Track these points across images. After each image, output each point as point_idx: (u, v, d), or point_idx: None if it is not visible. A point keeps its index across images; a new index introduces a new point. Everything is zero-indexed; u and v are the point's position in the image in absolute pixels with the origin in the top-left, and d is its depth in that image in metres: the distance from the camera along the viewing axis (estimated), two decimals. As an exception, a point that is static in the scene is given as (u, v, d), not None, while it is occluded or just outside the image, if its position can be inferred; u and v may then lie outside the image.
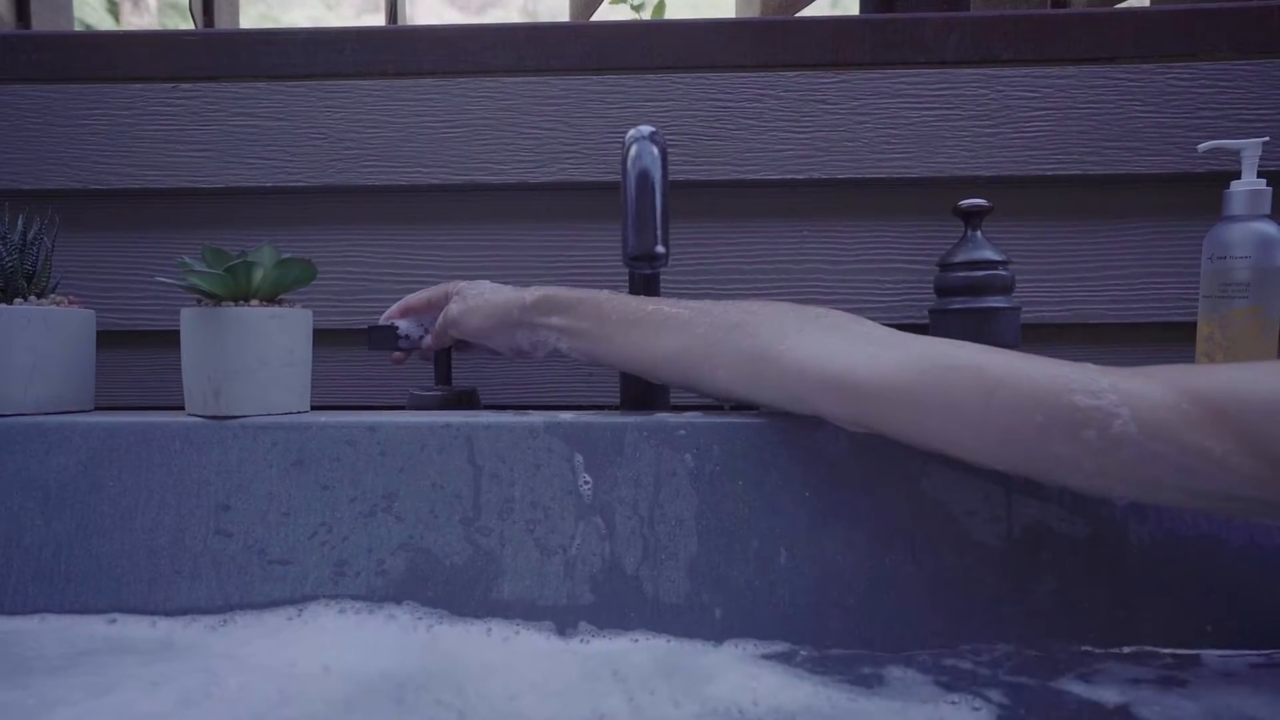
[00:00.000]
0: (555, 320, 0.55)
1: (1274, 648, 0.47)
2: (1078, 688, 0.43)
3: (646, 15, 1.81)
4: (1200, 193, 0.69)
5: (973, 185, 0.72)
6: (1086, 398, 0.39)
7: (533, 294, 0.56)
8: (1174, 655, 0.47)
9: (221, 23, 1.28)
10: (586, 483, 0.52)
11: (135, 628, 0.50)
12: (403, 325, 0.63)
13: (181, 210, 0.76)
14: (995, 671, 0.45)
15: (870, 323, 0.48)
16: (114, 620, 0.51)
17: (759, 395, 0.49)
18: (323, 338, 0.69)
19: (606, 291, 0.55)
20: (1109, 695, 0.42)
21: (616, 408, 0.62)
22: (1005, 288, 0.64)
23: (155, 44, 0.75)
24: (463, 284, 0.61)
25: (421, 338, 0.64)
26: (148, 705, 0.40)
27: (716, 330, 0.50)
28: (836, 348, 0.46)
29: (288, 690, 0.41)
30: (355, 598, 0.51)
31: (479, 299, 0.58)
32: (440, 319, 0.61)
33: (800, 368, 0.46)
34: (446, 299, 0.62)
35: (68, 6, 1.12)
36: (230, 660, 0.45)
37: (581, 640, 0.49)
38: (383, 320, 0.64)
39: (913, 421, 0.43)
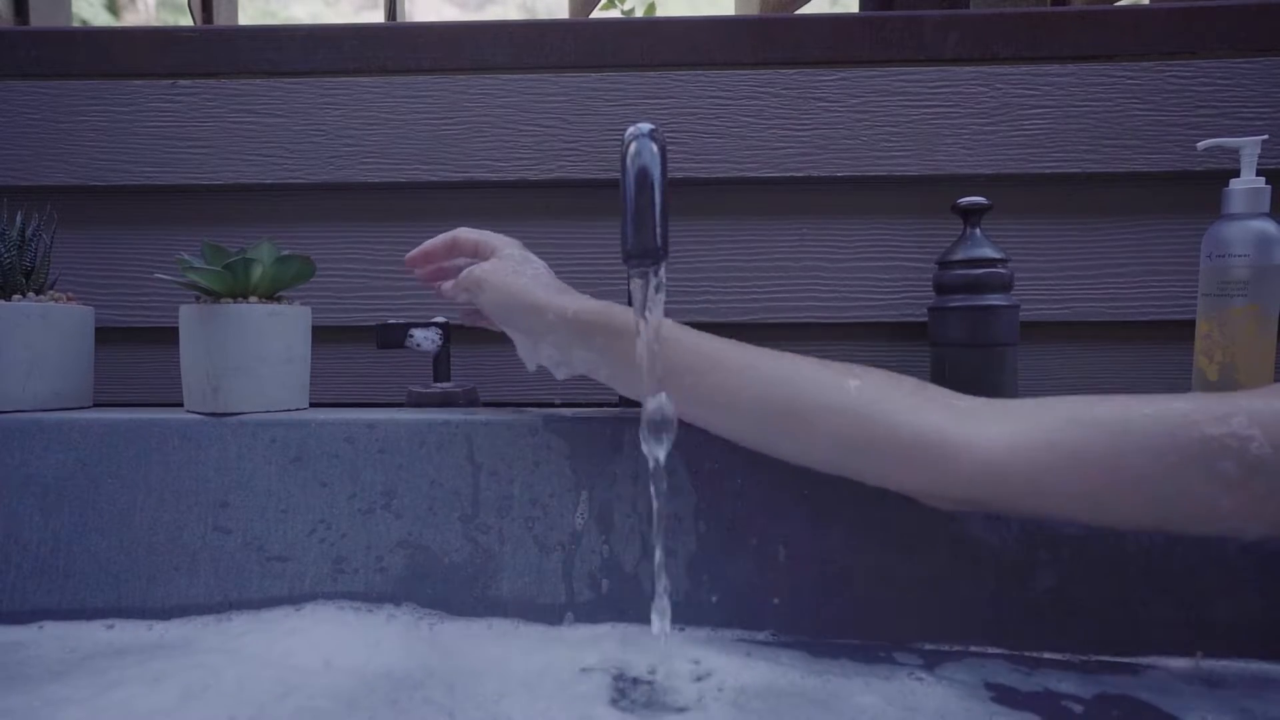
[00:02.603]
0: (599, 341, 0.47)
1: (1273, 647, 0.47)
2: (1074, 684, 0.43)
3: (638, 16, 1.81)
4: (1199, 191, 0.69)
5: (972, 183, 0.72)
6: (1215, 425, 0.37)
7: (575, 306, 0.47)
8: (1170, 653, 0.47)
9: (220, 19, 1.27)
10: (585, 480, 0.52)
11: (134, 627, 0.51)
12: (417, 333, 0.63)
13: (180, 207, 0.76)
14: (992, 666, 0.45)
15: (958, 394, 0.44)
16: (111, 626, 0.51)
17: (853, 463, 0.44)
18: (321, 335, 0.69)
19: (669, 321, 0.46)
20: (1107, 692, 0.42)
21: (615, 405, 0.62)
22: (1004, 285, 0.64)
23: (154, 40, 0.75)
24: (486, 268, 0.51)
25: (435, 343, 0.63)
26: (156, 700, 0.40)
27: (807, 385, 0.44)
28: (953, 419, 0.41)
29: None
30: (354, 594, 0.52)
31: (504, 294, 0.50)
32: (466, 296, 0.53)
33: (917, 439, 0.41)
34: (476, 254, 0.54)
35: (66, 3, 1.12)
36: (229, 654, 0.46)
37: (578, 637, 0.50)
38: (408, 257, 0.57)
39: (1047, 491, 0.39)
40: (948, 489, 0.41)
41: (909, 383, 0.45)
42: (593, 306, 0.48)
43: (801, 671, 0.44)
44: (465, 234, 0.55)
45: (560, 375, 0.50)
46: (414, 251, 0.57)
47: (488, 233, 0.55)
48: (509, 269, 0.51)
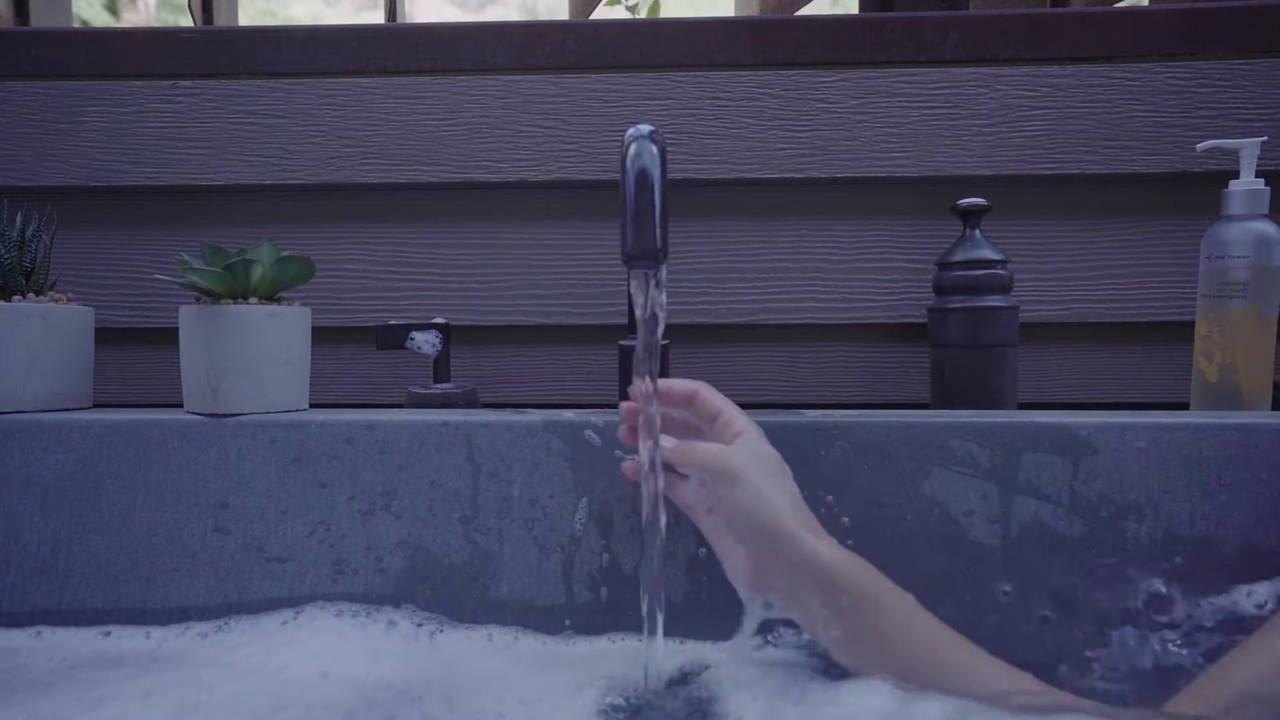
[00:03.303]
0: (845, 602, 0.40)
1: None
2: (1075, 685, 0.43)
3: (642, 15, 1.81)
4: (1198, 192, 0.69)
5: (971, 184, 0.72)
6: None
7: (831, 554, 0.41)
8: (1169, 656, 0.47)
9: (220, 20, 1.27)
10: (585, 482, 0.52)
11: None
12: (417, 335, 0.62)
13: (180, 207, 0.76)
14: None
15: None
16: (108, 634, 0.50)
17: None
18: (321, 335, 0.69)
19: (911, 598, 0.41)
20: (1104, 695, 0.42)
21: (616, 406, 0.62)
22: (1004, 286, 0.64)
23: (154, 41, 0.75)
24: (742, 462, 0.43)
25: (435, 346, 0.62)
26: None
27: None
28: None
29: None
30: (353, 595, 0.52)
31: (755, 506, 0.42)
32: (696, 473, 0.45)
33: None
34: (711, 423, 0.46)
35: (66, 3, 1.12)
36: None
37: (577, 645, 0.50)
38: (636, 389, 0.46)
39: None
40: None
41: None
42: (851, 562, 0.41)
43: (809, 687, 0.43)
44: (709, 396, 0.46)
45: (774, 613, 0.44)
46: (646, 385, 0.45)
47: (732, 405, 0.46)
48: (769, 473, 0.43)
